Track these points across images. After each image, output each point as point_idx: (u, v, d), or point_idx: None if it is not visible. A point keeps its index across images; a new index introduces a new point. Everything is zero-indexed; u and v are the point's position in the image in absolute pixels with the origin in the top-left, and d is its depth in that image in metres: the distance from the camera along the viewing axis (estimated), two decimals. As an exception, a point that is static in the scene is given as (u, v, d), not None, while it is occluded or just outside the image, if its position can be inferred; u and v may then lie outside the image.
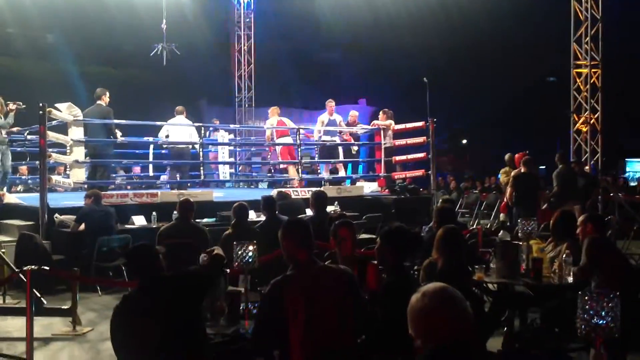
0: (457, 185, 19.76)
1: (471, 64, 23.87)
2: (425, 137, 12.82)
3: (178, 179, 12.36)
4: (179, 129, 12.27)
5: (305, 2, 20.06)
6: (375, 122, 13.65)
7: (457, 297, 2.29)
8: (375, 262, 4.15)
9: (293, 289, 3.37)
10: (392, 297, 3.64)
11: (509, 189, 10.47)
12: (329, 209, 8.81)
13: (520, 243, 5.46)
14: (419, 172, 13.14)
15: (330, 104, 13.01)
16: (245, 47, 18.85)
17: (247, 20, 18.79)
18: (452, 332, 2.24)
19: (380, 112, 13.42)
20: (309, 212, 8.33)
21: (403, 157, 13.36)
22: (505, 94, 25.09)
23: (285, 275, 3.46)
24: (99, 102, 10.67)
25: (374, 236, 8.22)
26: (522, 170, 10.33)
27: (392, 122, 13.09)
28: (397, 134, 13.26)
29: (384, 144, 13.08)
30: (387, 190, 12.87)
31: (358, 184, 13.14)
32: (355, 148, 13.67)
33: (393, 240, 3.92)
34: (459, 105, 25.53)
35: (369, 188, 13.02)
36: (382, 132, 13.10)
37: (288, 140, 13.21)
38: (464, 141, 34.06)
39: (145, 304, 3.55)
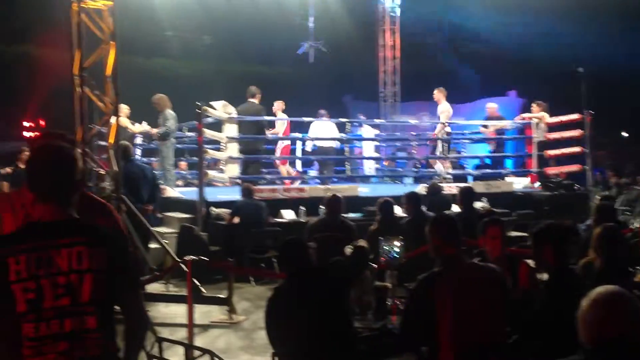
0: (617, 181, 18.50)
1: (629, 51, 22.24)
2: (581, 130, 12.15)
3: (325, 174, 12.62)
4: (324, 128, 12.53)
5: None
6: (526, 114, 13.12)
7: (630, 299, 2.17)
8: (528, 260, 4.00)
9: (441, 286, 3.33)
10: (554, 298, 3.49)
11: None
12: (477, 205, 8.60)
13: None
14: (574, 167, 12.45)
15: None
16: (390, 41, 18.81)
17: (392, 14, 18.74)
18: (626, 336, 2.12)
19: (533, 104, 12.87)
20: (456, 208, 8.18)
21: (557, 152, 12.74)
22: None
23: (433, 271, 3.42)
24: (251, 99, 11.10)
25: (525, 234, 7.92)
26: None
27: (545, 114, 12.52)
28: (551, 127, 12.66)
29: (536, 137, 12.54)
30: (539, 186, 12.33)
31: (508, 179, 12.71)
32: (493, 145, 13.17)
33: (553, 239, 3.74)
34: (617, 95, 23.87)
35: (519, 184, 12.55)
36: (534, 125, 12.57)
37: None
38: (625, 134, 31.85)
39: (295, 295, 3.66)
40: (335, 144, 12.89)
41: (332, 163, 12.97)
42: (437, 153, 12.90)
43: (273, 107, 12.71)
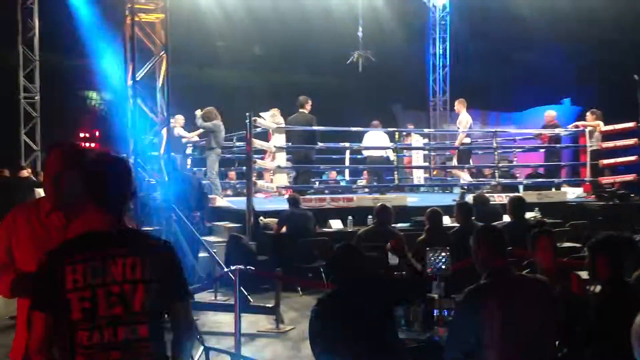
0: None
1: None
2: (636, 139, 11.81)
3: (374, 183, 12.60)
4: (377, 138, 12.54)
5: (503, 1, 19.43)
6: (580, 122, 12.83)
7: None
8: (579, 272, 3.90)
9: (489, 297, 3.27)
10: (607, 311, 3.40)
11: None
12: (529, 215, 8.43)
13: None
14: (629, 177, 12.11)
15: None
16: (441, 49, 18.68)
17: (443, 23, 18.61)
18: None
19: (588, 112, 12.57)
20: (507, 218, 8.04)
21: (611, 161, 12.40)
22: None
23: (480, 283, 3.37)
24: (301, 109, 11.17)
25: (578, 245, 7.73)
26: None
27: (600, 122, 12.21)
28: (605, 136, 12.34)
29: (590, 146, 12.24)
30: (593, 195, 12.02)
31: (562, 189, 12.44)
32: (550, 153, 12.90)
33: (609, 250, 3.64)
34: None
35: (573, 193, 12.26)
36: (587, 133, 12.27)
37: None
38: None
39: (344, 306, 3.55)
40: (385, 154, 12.87)
41: (382, 173, 12.97)
42: (455, 162, 12.81)
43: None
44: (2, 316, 5.91)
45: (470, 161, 12.83)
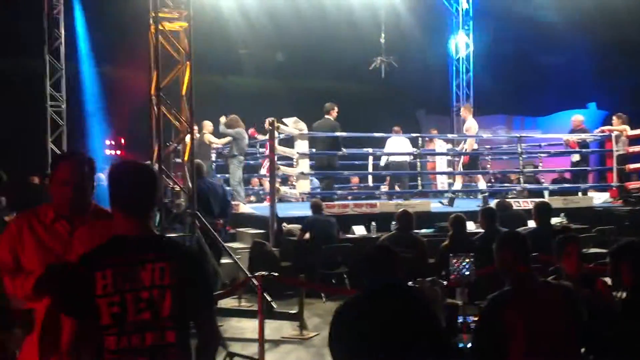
0: None
1: None
2: (664, 143, 11.66)
3: (397, 189, 12.56)
4: (397, 143, 12.51)
5: (526, 5, 19.28)
6: (606, 127, 12.68)
7: None
8: (605, 278, 3.85)
9: (512, 305, 3.24)
10: (632, 317, 3.35)
11: None
12: (555, 220, 8.34)
13: None
14: (657, 181, 11.95)
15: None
16: (464, 54, 18.58)
17: (466, 27, 18.52)
18: None
19: (614, 117, 12.42)
20: (532, 223, 7.96)
21: (638, 165, 12.23)
22: None
23: (503, 290, 3.33)
24: (327, 116, 11.21)
25: (604, 250, 7.62)
26: None
27: (627, 127, 12.05)
28: (632, 140, 12.17)
29: (616, 150, 12.08)
30: (620, 200, 11.86)
31: (588, 194, 12.29)
32: (577, 157, 12.75)
33: (632, 256, 3.59)
34: None
35: (599, 199, 12.11)
36: (614, 138, 12.12)
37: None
38: None
39: (369, 310, 3.26)
40: (408, 159, 12.86)
41: (406, 178, 12.94)
42: (460, 168, 12.89)
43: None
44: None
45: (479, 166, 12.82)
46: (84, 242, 2.72)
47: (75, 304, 2.23)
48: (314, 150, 11.41)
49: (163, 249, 2.33)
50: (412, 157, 12.80)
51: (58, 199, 2.84)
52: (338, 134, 11.02)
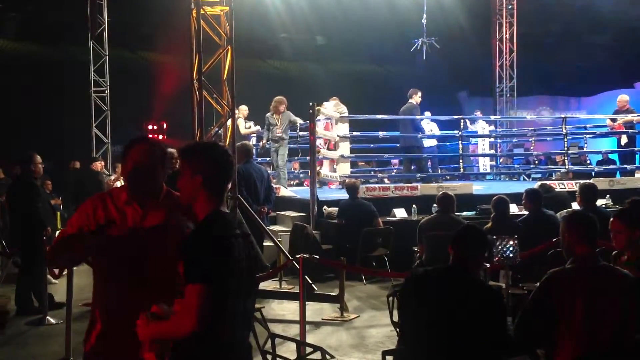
0: None
1: None
2: None
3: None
4: (427, 126, 12.68)
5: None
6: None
7: None
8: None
9: (569, 284, 3.16)
10: None
11: None
12: (600, 202, 8.17)
13: None
14: None
15: None
16: (507, 35, 18.24)
17: (510, 7, 18.16)
18: None
19: (661, 96, 12.09)
20: (575, 206, 7.80)
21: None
22: None
23: (564, 268, 3.26)
24: (410, 100, 11.51)
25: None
26: None
27: (675, 107, 11.71)
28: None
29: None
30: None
31: (637, 175, 12.00)
32: (625, 139, 12.42)
33: None
34: None
35: (646, 180, 11.81)
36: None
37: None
38: None
39: (437, 288, 3.25)
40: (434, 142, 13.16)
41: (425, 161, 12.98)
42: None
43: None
44: (75, 303, 6.12)
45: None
46: (155, 226, 2.82)
47: (220, 270, 2.34)
48: (354, 133, 11.37)
49: (240, 226, 2.57)
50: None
51: (130, 183, 2.87)
52: (412, 117, 11.35)
